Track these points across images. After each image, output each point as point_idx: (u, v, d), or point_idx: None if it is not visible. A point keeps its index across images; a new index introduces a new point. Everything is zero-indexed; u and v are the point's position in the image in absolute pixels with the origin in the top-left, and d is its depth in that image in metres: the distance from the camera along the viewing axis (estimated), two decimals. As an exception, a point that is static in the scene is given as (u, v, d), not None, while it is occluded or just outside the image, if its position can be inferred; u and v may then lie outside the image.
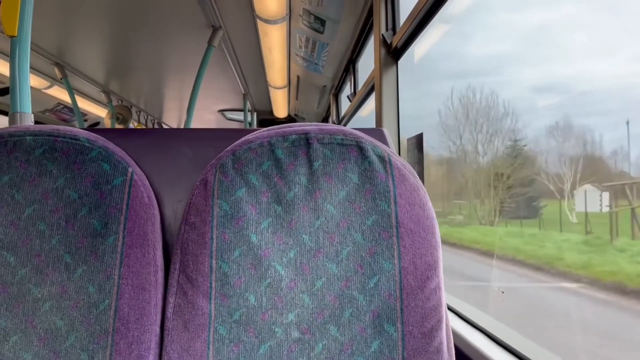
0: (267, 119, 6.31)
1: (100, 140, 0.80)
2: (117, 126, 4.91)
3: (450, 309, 1.50)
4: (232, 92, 5.01)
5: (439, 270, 0.76)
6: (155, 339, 0.75)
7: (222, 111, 6.02)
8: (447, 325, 0.77)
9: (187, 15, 2.84)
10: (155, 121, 6.78)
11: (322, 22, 2.71)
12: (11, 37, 1.12)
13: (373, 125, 2.24)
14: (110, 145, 0.81)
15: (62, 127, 0.80)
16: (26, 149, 0.77)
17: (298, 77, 4.23)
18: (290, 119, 6.08)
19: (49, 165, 0.76)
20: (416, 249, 0.74)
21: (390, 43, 1.96)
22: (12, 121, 1.11)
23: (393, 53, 1.98)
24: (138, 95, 5.36)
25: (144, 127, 6.13)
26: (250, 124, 5.79)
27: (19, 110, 1.10)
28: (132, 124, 5.57)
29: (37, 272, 0.73)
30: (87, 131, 0.82)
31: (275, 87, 4.54)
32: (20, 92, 1.11)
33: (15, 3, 1.11)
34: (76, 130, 0.81)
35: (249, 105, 5.41)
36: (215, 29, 3.02)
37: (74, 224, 0.74)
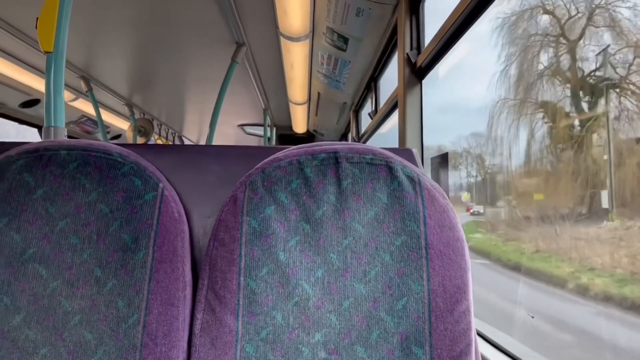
0: (286, 134, 6.35)
1: (132, 155, 0.81)
2: (139, 139, 4.98)
3: (479, 334, 1.46)
4: (252, 107, 5.05)
5: (469, 294, 0.75)
6: (182, 355, 0.75)
7: (241, 126, 6.07)
8: (476, 350, 0.76)
9: (211, 31, 2.89)
10: (176, 134, 6.85)
11: (345, 40, 2.73)
12: (47, 52, 1.15)
13: (394, 142, 2.23)
14: (142, 161, 0.81)
15: (96, 142, 0.81)
16: (60, 163, 0.78)
17: (319, 93, 4.25)
18: (309, 134, 6.11)
19: (82, 180, 0.77)
20: (445, 271, 0.73)
21: (415, 62, 1.96)
22: (46, 135, 1.13)
23: (417, 72, 1.98)
24: (160, 108, 5.44)
25: (164, 139, 6.20)
26: (269, 139, 5.82)
27: (52, 125, 1.13)
28: (153, 137, 5.64)
29: (67, 285, 0.74)
30: (119, 146, 0.83)
31: (295, 103, 4.56)
32: (55, 107, 1.14)
33: (52, 20, 1.14)
34: (109, 145, 0.82)
35: (268, 121, 5.45)
36: (239, 46, 3.06)
37: (105, 238, 0.75)
